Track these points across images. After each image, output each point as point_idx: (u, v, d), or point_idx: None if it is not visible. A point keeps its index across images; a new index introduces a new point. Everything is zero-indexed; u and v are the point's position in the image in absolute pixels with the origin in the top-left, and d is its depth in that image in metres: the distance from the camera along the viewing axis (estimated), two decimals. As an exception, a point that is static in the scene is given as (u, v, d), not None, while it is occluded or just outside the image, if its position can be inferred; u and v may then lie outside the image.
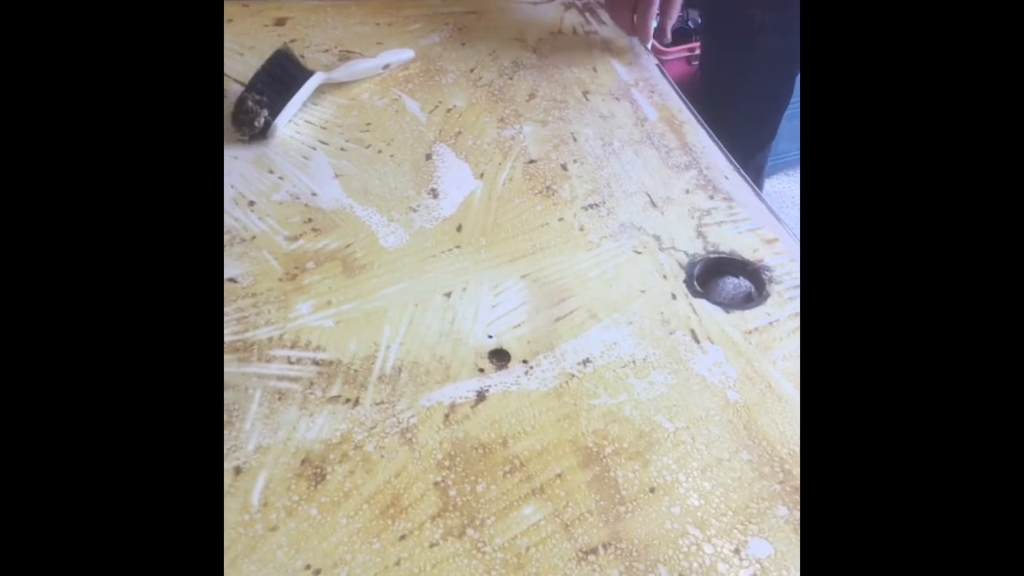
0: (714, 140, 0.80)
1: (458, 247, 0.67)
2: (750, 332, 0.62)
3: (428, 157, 0.76)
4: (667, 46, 1.80)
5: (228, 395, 0.55)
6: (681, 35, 1.87)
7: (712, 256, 0.67)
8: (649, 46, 0.81)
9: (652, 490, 0.52)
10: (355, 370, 0.57)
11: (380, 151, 0.76)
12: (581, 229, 0.69)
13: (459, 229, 0.69)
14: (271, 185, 0.72)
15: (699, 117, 0.82)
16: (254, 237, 0.67)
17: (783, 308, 0.63)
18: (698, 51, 1.83)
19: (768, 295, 0.65)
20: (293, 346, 0.58)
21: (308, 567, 0.47)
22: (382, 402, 0.55)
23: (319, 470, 0.51)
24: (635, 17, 0.81)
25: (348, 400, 0.55)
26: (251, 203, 0.70)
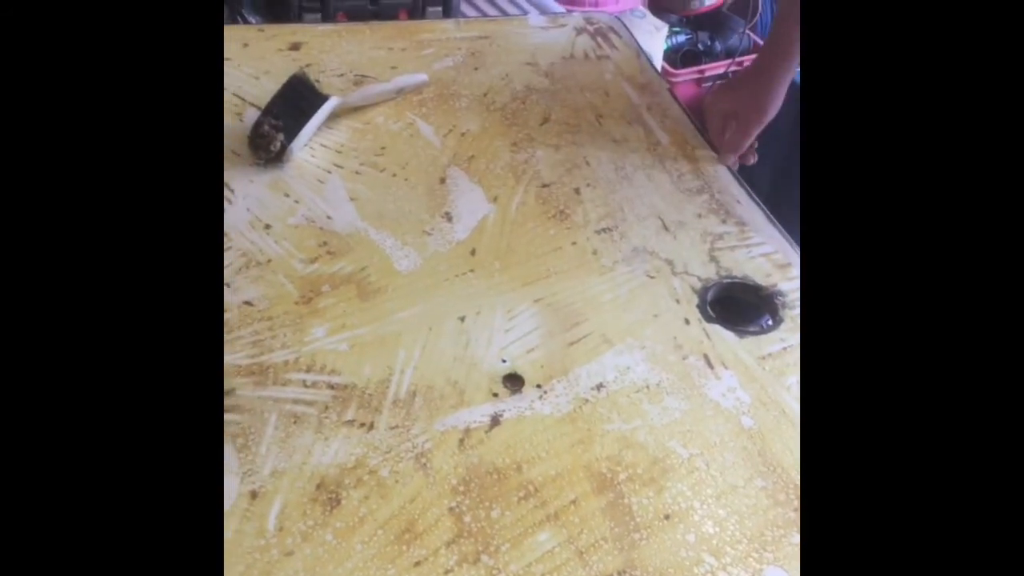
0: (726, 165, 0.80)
1: (472, 271, 0.68)
2: (764, 357, 0.62)
3: (442, 181, 0.76)
4: (677, 69, 1.82)
5: (244, 418, 0.55)
6: (690, 58, 1.88)
7: (725, 281, 0.68)
8: (730, 164, 0.81)
9: (667, 517, 0.51)
10: (369, 394, 0.58)
11: (394, 175, 0.77)
12: (594, 253, 0.70)
13: (473, 253, 0.69)
14: (287, 208, 0.72)
15: (710, 141, 0.83)
16: (270, 260, 0.67)
17: (797, 334, 0.63)
18: (707, 73, 1.84)
19: (782, 320, 0.65)
20: (308, 370, 0.59)
21: (323, 593, 0.47)
22: (397, 426, 0.56)
23: (334, 495, 0.51)
24: (727, 136, 0.81)
25: (363, 424, 0.56)
26: (267, 226, 0.70)
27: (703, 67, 1.84)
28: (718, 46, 1.90)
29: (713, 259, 0.70)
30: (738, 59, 1.83)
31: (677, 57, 1.87)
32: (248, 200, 0.73)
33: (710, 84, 1.85)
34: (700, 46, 1.89)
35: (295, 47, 0.93)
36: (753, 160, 0.83)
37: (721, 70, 1.83)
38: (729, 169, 0.79)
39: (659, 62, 1.69)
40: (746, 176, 0.80)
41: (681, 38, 1.89)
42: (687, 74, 1.82)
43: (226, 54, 0.90)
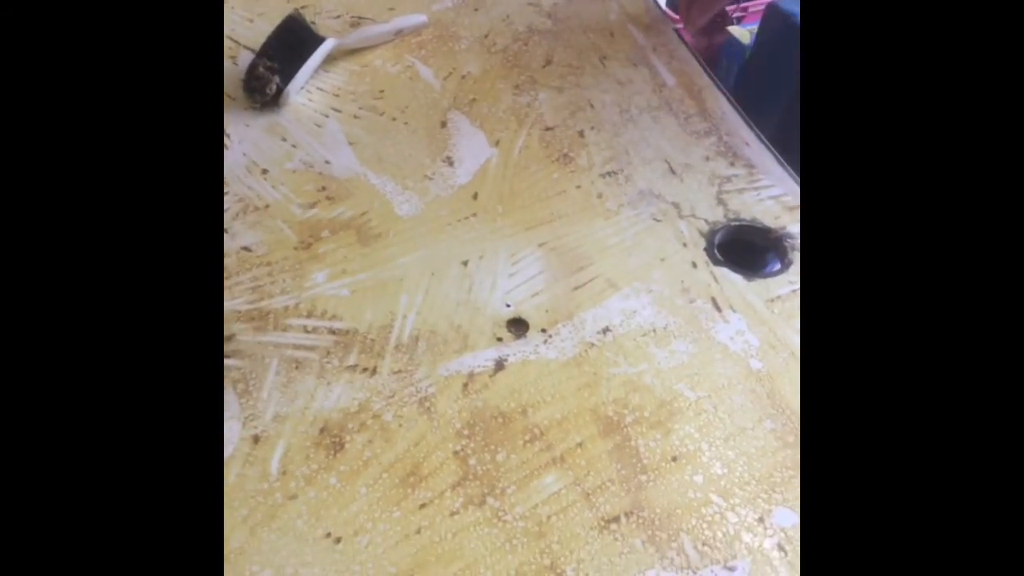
0: (734, 106, 0.78)
1: (474, 215, 0.66)
2: (772, 300, 0.60)
3: (443, 124, 0.75)
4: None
5: (244, 364, 0.54)
6: (695, 3, 1.84)
7: (733, 224, 0.66)
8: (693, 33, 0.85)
9: (674, 459, 0.51)
10: (372, 339, 0.57)
11: (394, 118, 0.75)
12: (599, 197, 0.68)
13: (475, 197, 0.68)
14: (284, 153, 0.71)
15: (718, 83, 0.81)
16: (268, 205, 0.66)
17: (806, 276, 0.62)
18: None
19: (791, 263, 0.63)
20: (309, 315, 0.58)
21: (328, 535, 0.46)
22: (400, 371, 0.55)
23: (337, 439, 0.51)
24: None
25: (365, 369, 0.55)
26: (264, 171, 0.69)
27: (708, 13, 1.79)
28: (723, -9, 1.85)
29: (721, 202, 0.68)
30: (743, 4, 1.79)
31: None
32: (244, 144, 0.71)
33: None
34: (705, -9, 1.84)
35: (289, -12, 0.90)
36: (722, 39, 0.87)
37: (726, 16, 1.79)
38: (737, 110, 0.77)
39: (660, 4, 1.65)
40: (754, 117, 0.78)
41: (685, -17, 1.84)
42: (691, 20, 1.78)
43: (218, -4, 0.87)
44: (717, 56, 1.82)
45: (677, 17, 1.76)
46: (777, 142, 0.76)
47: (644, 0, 0.92)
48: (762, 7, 1.70)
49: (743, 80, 1.77)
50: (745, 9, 1.80)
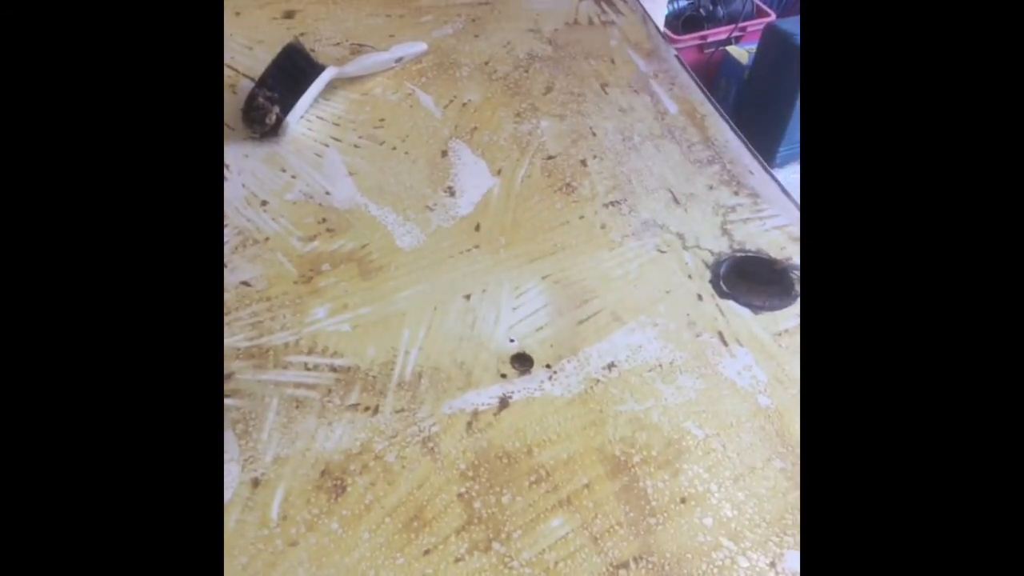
0: (737, 134, 0.77)
1: (477, 247, 0.65)
2: (780, 334, 0.60)
3: (444, 154, 0.74)
4: (679, 35, 1.78)
5: (244, 403, 0.53)
6: (692, 23, 1.84)
7: (738, 254, 0.65)
8: None
9: (683, 500, 0.50)
10: (373, 376, 0.56)
11: (394, 148, 0.74)
12: (602, 227, 0.68)
13: (477, 228, 0.67)
14: (284, 184, 0.70)
15: (720, 110, 0.80)
16: (267, 238, 0.65)
17: (813, 308, 0.61)
18: (709, 39, 1.80)
19: (797, 295, 0.63)
20: (310, 352, 0.57)
21: (330, 584, 0.45)
22: (402, 410, 0.54)
23: (339, 482, 0.50)
24: None
25: (367, 408, 0.54)
26: (264, 203, 0.68)
27: (705, 33, 1.80)
28: (720, 11, 1.86)
29: (725, 232, 0.67)
30: (741, 24, 1.79)
31: (679, 23, 1.83)
32: (243, 175, 0.70)
33: (712, 51, 1.81)
34: (702, 11, 1.85)
35: (289, 15, 0.90)
36: None
37: (724, 36, 1.79)
38: (740, 138, 0.77)
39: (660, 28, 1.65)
40: (753, 137, 0.77)
41: (683, 3, 1.85)
42: (689, 40, 1.79)
43: (217, 23, 0.87)
44: (715, 76, 1.83)
45: (676, 38, 1.76)
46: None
47: (645, 26, 0.92)
48: (760, 27, 1.71)
49: (742, 100, 1.77)
50: (743, 29, 1.80)
